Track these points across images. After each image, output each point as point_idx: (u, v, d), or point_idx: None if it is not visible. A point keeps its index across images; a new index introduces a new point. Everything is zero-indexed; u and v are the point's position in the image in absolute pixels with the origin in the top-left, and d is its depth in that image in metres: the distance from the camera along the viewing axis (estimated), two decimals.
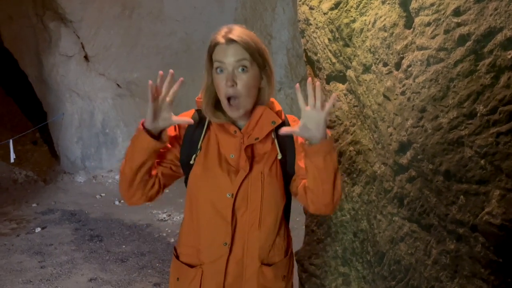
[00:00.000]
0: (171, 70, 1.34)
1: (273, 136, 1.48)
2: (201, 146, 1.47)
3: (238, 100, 1.38)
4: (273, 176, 1.46)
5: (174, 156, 1.50)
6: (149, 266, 3.80)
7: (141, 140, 1.36)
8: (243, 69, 1.37)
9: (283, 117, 1.50)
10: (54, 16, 5.77)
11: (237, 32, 1.38)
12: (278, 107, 1.51)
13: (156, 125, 1.36)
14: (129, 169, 1.40)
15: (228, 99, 1.38)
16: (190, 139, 1.49)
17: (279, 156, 1.47)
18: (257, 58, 1.39)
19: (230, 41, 1.37)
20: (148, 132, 1.36)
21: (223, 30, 1.40)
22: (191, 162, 1.47)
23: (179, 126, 1.51)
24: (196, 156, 1.47)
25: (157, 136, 1.37)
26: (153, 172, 1.45)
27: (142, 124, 1.38)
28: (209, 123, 1.49)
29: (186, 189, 1.54)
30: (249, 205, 1.45)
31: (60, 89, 6.08)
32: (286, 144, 1.48)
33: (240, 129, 1.45)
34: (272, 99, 1.51)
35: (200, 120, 1.50)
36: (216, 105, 1.46)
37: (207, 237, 1.47)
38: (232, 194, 1.43)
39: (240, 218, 1.45)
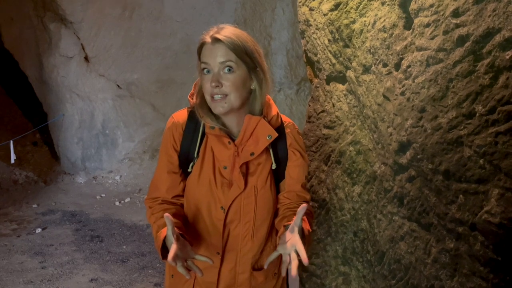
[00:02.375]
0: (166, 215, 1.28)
1: (268, 146, 1.44)
2: (198, 154, 1.45)
3: (226, 98, 1.35)
4: (267, 189, 1.45)
5: (179, 172, 1.49)
6: (150, 266, 3.81)
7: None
8: (229, 70, 1.34)
9: (279, 121, 1.47)
10: (54, 17, 5.79)
11: (225, 31, 1.35)
12: (275, 110, 1.47)
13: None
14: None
15: (212, 96, 1.36)
16: (188, 145, 1.46)
17: (274, 166, 1.45)
18: (245, 58, 1.35)
19: (216, 40, 1.34)
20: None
21: (213, 30, 1.38)
22: (189, 170, 1.46)
23: (174, 133, 1.47)
24: (194, 164, 1.45)
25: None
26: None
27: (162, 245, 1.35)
28: (204, 129, 1.46)
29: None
30: (242, 218, 1.45)
31: (60, 90, 6.10)
32: (281, 150, 1.46)
33: (233, 140, 1.43)
34: (270, 101, 1.48)
35: (196, 123, 1.46)
36: (209, 107, 1.43)
37: (201, 245, 1.48)
38: (224, 209, 1.42)
39: (233, 230, 1.46)
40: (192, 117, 1.47)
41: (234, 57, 1.34)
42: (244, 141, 1.41)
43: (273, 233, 1.53)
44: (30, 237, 4.38)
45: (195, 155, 1.44)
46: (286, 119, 1.52)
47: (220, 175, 1.43)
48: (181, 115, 1.49)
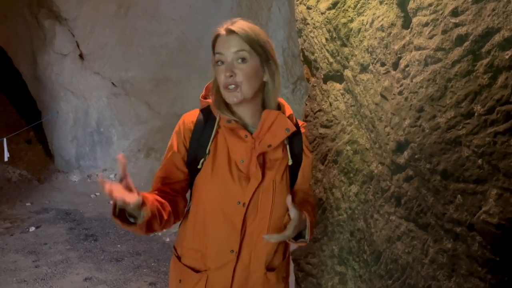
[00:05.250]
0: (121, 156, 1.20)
1: (285, 142, 1.45)
2: (209, 150, 1.43)
3: (238, 88, 1.37)
4: (284, 184, 1.45)
5: (183, 170, 1.46)
6: (145, 266, 3.79)
7: (126, 229, 1.27)
8: (242, 60, 1.36)
9: (294, 121, 1.49)
10: (49, 14, 5.75)
11: (239, 24, 1.39)
12: (289, 110, 1.49)
13: (129, 209, 1.21)
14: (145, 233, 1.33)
15: (226, 87, 1.38)
16: (197, 141, 1.44)
17: (290, 162, 1.45)
18: (258, 49, 1.38)
19: (230, 32, 1.37)
20: (126, 220, 1.25)
21: (227, 23, 1.41)
22: (199, 166, 1.43)
23: (184, 129, 1.45)
24: (204, 160, 1.43)
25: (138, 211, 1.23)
26: (167, 210, 1.39)
27: (116, 217, 1.24)
28: (218, 126, 1.45)
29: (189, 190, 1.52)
30: (259, 213, 1.42)
31: (54, 88, 6.06)
32: (296, 148, 1.47)
33: (251, 133, 1.42)
34: (283, 102, 1.50)
35: (206, 121, 1.46)
36: (226, 105, 1.44)
37: (214, 244, 1.44)
38: (244, 203, 1.40)
39: (249, 225, 1.43)
40: (203, 116, 1.48)
41: (247, 47, 1.37)
42: (262, 134, 1.42)
43: None
44: (24, 236, 4.35)
45: (207, 151, 1.43)
46: (299, 121, 1.55)
47: (237, 169, 1.41)
48: (191, 114, 1.50)
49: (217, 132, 1.44)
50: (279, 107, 1.48)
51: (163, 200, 1.39)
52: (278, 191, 1.43)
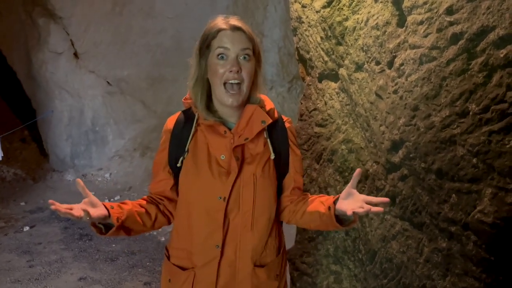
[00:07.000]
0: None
1: (265, 136, 1.45)
2: (188, 149, 1.44)
3: (240, 86, 1.37)
4: (266, 178, 1.44)
5: (169, 173, 1.49)
6: (140, 265, 3.78)
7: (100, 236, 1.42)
8: (244, 57, 1.37)
9: (276, 115, 1.48)
10: (43, 12, 5.71)
11: (238, 21, 1.39)
12: (270, 105, 1.48)
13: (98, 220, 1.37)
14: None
15: (224, 85, 1.37)
16: (177, 142, 1.46)
17: (272, 156, 1.44)
18: (256, 50, 1.40)
19: (235, 28, 1.37)
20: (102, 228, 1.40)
21: (222, 19, 1.40)
22: (178, 165, 1.45)
23: (165, 133, 1.50)
24: (184, 159, 1.44)
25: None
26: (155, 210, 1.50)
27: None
28: (197, 124, 1.46)
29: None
30: (241, 207, 1.42)
31: (49, 86, 6.02)
32: (280, 143, 1.46)
33: (230, 129, 1.43)
34: (264, 97, 1.49)
35: (186, 120, 1.47)
36: (207, 103, 1.44)
37: (199, 240, 1.45)
38: (225, 198, 1.40)
39: (232, 220, 1.43)
40: (184, 117, 1.49)
41: (251, 45, 1.38)
42: (241, 129, 1.42)
43: (274, 229, 1.51)
44: (18, 235, 4.32)
45: (186, 150, 1.44)
46: (284, 116, 1.55)
47: (217, 165, 1.42)
48: (172, 117, 1.52)
49: (196, 130, 1.46)
50: (260, 103, 1.48)
51: (144, 204, 1.49)
52: (259, 184, 1.43)
